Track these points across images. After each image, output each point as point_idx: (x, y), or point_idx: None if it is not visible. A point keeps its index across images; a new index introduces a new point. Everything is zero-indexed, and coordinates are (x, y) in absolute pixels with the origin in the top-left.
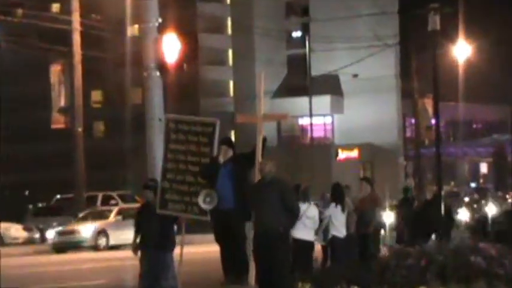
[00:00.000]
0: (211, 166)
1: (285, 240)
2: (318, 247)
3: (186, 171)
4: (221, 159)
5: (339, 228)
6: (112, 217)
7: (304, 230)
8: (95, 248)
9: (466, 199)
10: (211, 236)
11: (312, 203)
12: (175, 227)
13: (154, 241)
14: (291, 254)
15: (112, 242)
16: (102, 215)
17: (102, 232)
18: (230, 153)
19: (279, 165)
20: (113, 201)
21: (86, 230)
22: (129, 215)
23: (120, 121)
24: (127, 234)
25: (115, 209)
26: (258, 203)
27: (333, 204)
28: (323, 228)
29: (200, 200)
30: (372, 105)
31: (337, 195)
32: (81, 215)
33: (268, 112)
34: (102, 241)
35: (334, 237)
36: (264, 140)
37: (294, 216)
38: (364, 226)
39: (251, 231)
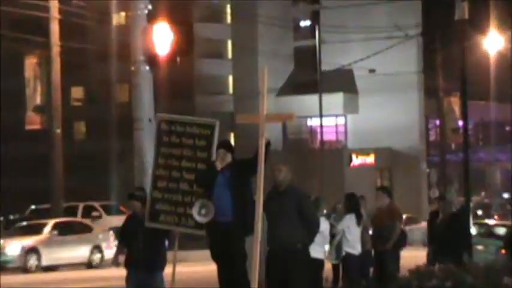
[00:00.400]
0: (208, 173)
1: (303, 259)
2: (327, 265)
3: (180, 178)
4: (219, 166)
5: (354, 244)
6: (46, 232)
7: (312, 247)
8: (24, 269)
9: (497, 211)
10: (207, 253)
11: (321, 215)
12: (167, 242)
13: (142, 259)
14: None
15: (45, 262)
16: (34, 230)
17: (32, 250)
18: (229, 158)
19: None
20: (95, 213)
21: (11, 248)
22: (68, 230)
23: (105, 121)
24: (64, 253)
25: (50, 223)
26: (272, 215)
27: (347, 217)
28: (335, 245)
29: (195, 211)
30: (390, 105)
31: (352, 206)
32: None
33: (272, 112)
34: (32, 261)
35: (348, 255)
36: (268, 143)
37: (313, 230)
38: (382, 242)
39: (255, 248)
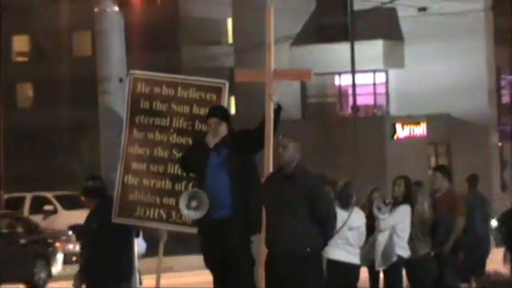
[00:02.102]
0: (196, 151)
1: (315, 266)
2: (364, 273)
3: (168, 159)
4: (211, 140)
5: (406, 245)
6: None
7: (343, 248)
8: None
9: None
10: (199, 259)
11: (355, 207)
12: (144, 245)
13: (98, 267)
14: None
15: None
16: None
17: None
18: (224, 130)
19: (305, 149)
20: (47, 206)
21: None
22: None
23: (59, 83)
24: None
25: None
26: (273, 209)
27: (402, 209)
28: (383, 245)
29: (182, 204)
30: (448, 55)
31: (406, 194)
32: None
33: (286, 67)
34: None
35: (400, 260)
36: (278, 109)
37: (328, 229)
38: (438, 243)
39: (262, 252)
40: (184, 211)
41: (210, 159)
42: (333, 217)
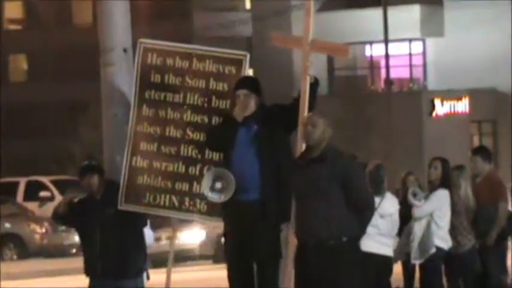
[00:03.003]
0: (224, 127)
1: (352, 258)
2: (397, 267)
3: (181, 139)
4: (239, 115)
5: (446, 235)
6: None
7: (374, 238)
8: None
9: None
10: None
11: (387, 192)
12: (151, 235)
13: (103, 262)
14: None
15: None
16: None
17: None
18: (255, 104)
19: (332, 128)
20: (44, 192)
21: None
22: None
23: (56, 55)
24: None
25: None
26: (303, 195)
27: (440, 194)
28: (420, 236)
29: (205, 185)
30: (493, 22)
31: (444, 178)
32: None
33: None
34: None
35: (439, 252)
36: (314, 83)
37: (366, 215)
38: (480, 233)
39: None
40: (208, 193)
41: (238, 135)
42: (371, 201)
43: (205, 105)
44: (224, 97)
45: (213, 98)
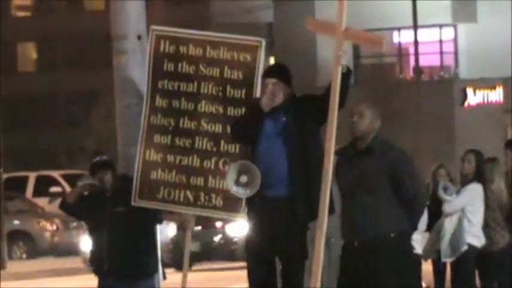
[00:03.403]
0: (250, 117)
1: (402, 256)
2: (428, 266)
3: (196, 131)
4: (267, 105)
5: (478, 232)
6: None
7: None
8: None
9: None
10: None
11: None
12: (174, 232)
13: (114, 261)
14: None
15: None
16: None
17: None
18: (284, 93)
19: None
20: (54, 188)
21: None
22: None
23: (66, 43)
24: None
25: None
26: (348, 190)
27: (472, 188)
28: (451, 233)
29: (230, 179)
30: None
31: (477, 171)
32: None
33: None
34: None
35: (472, 249)
36: (347, 73)
37: (417, 210)
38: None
39: (317, 241)
40: (233, 188)
41: (265, 127)
42: (421, 195)
43: (220, 94)
44: (239, 86)
45: (228, 87)
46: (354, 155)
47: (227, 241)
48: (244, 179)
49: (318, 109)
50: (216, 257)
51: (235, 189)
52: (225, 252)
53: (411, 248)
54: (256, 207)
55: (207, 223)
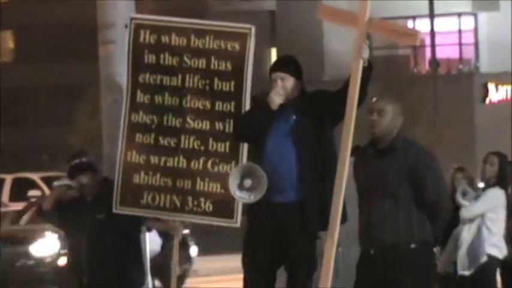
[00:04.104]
0: (258, 116)
1: (423, 268)
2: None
3: (181, 129)
4: (276, 101)
5: (500, 242)
6: None
7: None
8: None
9: None
10: (232, 260)
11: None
12: (159, 241)
13: (101, 274)
14: None
15: None
16: None
17: None
18: (294, 89)
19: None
20: (33, 192)
21: None
22: None
23: (48, 32)
24: None
25: None
26: (366, 194)
27: (493, 193)
28: (468, 243)
29: (233, 183)
30: None
31: (500, 175)
32: None
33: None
34: None
35: (492, 260)
36: (368, 68)
37: (441, 217)
38: None
39: (330, 252)
40: (236, 192)
41: (273, 126)
42: (446, 200)
43: (207, 88)
44: (228, 78)
45: (215, 79)
46: (373, 155)
47: None
48: (248, 182)
49: (333, 106)
50: None
51: (238, 194)
52: None
53: (433, 260)
54: (262, 213)
55: None
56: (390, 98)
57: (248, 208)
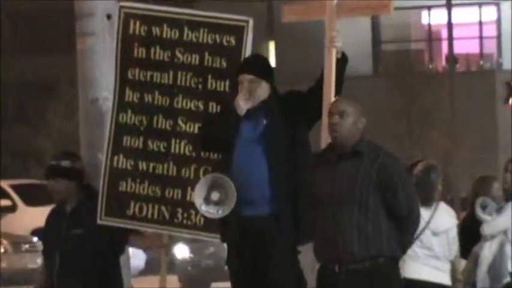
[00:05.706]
0: (224, 121)
1: (396, 284)
2: None
3: (171, 132)
4: (242, 106)
5: None
6: None
7: (426, 262)
8: None
9: None
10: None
11: (441, 202)
12: (143, 257)
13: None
14: None
15: None
16: None
17: None
18: (264, 91)
19: (378, 116)
20: (3, 201)
21: None
22: None
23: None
24: None
25: None
26: (327, 199)
27: None
28: (489, 260)
29: (198, 196)
30: None
31: None
32: None
33: None
34: None
35: None
36: (342, 59)
37: (409, 230)
38: None
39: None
40: (202, 206)
41: (242, 132)
42: (416, 211)
43: (200, 87)
44: (222, 76)
45: (209, 77)
46: (334, 160)
47: None
48: (216, 195)
49: (307, 105)
50: None
51: (204, 209)
52: None
53: (400, 275)
54: (232, 229)
55: None
56: (350, 98)
57: (220, 224)
